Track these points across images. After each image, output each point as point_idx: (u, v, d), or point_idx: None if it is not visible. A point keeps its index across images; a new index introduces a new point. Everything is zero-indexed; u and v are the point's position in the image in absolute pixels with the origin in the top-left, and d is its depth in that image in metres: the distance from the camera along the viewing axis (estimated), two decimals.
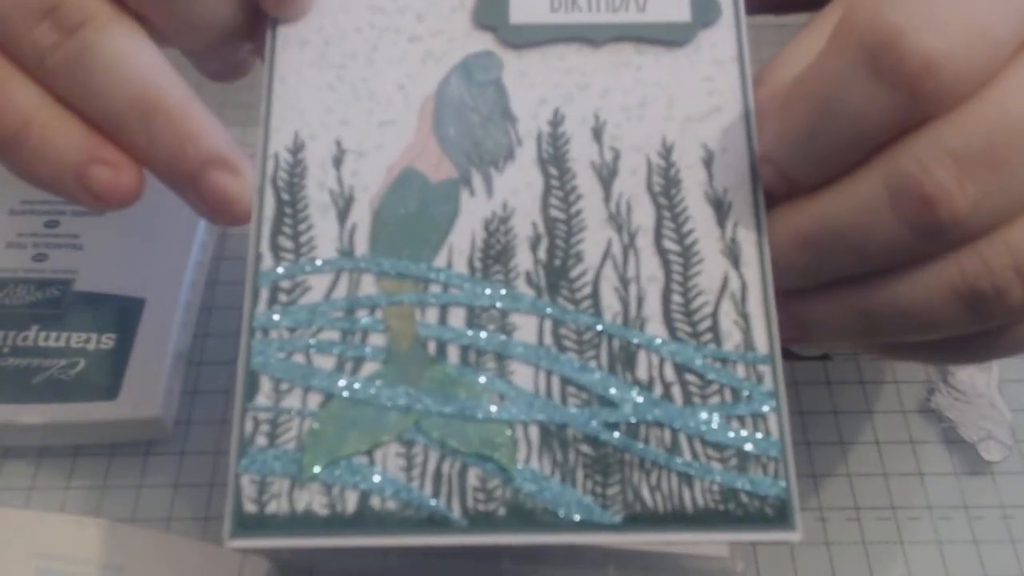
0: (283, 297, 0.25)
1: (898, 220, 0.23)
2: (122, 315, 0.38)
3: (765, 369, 0.25)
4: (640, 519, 0.23)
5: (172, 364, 0.38)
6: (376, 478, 0.24)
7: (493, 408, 0.24)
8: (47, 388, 0.36)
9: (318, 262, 0.26)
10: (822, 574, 0.35)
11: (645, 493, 0.24)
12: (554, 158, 0.27)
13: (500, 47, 0.28)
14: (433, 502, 0.23)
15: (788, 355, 0.35)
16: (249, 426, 0.24)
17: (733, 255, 0.26)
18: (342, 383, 0.25)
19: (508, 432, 0.24)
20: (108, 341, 0.37)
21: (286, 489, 0.24)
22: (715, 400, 0.24)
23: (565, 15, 0.28)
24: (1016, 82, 0.23)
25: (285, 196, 0.26)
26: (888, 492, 0.37)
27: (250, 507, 0.23)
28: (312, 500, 0.23)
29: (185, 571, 0.33)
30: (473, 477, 0.24)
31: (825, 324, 0.26)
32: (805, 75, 0.24)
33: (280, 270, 0.26)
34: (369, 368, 0.25)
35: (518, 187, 0.27)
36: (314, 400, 0.24)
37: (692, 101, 0.27)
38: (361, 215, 0.26)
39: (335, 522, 0.23)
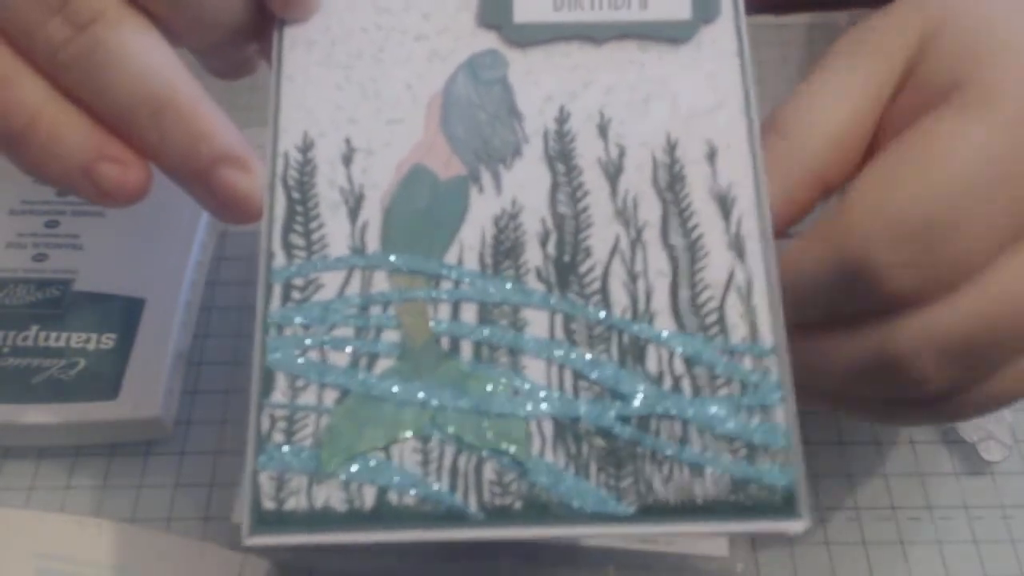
0: (296, 294, 0.25)
1: (887, 382, 0.27)
2: (122, 315, 0.38)
3: (771, 361, 0.25)
4: (652, 510, 0.24)
5: (172, 364, 0.38)
6: (393, 474, 0.24)
7: (507, 402, 0.25)
8: (47, 388, 0.36)
9: (330, 259, 0.26)
10: (822, 574, 0.35)
11: (657, 484, 0.24)
12: (561, 155, 0.27)
13: (504, 46, 0.28)
14: (450, 497, 0.24)
15: None
16: (266, 423, 0.24)
17: (738, 249, 0.26)
18: (357, 379, 0.25)
19: (522, 426, 0.24)
20: (108, 341, 0.37)
21: (304, 486, 0.24)
22: (724, 392, 0.25)
23: (568, 14, 0.28)
24: (1005, 275, 0.26)
25: (296, 194, 0.26)
26: (888, 492, 0.37)
27: (269, 504, 0.23)
28: (330, 496, 0.24)
29: (185, 571, 0.33)
30: (489, 471, 0.24)
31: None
32: (785, 262, 0.26)
33: (292, 267, 0.26)
34: (384, 364, 0.25)
35: (526, 184, 0.27)
36: (330, 397, 0.25)
37: (695, 97, 0.28)
38: (372, 212, 0.26)
39: (354, 518, 0.23)
